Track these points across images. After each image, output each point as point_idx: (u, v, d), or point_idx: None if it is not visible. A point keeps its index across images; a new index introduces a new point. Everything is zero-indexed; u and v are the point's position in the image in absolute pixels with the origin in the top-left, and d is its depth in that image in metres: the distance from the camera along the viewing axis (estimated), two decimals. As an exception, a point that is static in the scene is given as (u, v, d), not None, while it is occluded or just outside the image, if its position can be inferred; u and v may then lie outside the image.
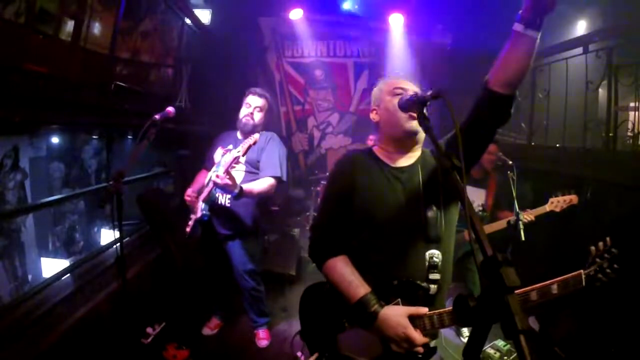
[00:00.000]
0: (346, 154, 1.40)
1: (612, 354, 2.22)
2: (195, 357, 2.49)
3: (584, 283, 1.15)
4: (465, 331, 2.89)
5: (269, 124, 2.55)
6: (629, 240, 2.37)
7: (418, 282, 1.16)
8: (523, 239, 2.40)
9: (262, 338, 2.72)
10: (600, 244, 1.22)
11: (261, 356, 2.63)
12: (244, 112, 2.41)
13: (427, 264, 1.18)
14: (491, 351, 2.59)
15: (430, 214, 1.20)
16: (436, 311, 1.11)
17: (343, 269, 1.21)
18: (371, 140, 5.17)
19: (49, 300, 2.06)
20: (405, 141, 1.27)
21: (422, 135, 1.26)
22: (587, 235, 2.60)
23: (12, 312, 1.90)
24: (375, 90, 1.37)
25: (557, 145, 3.53)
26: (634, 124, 2.91)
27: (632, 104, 3.00)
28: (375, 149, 1.36)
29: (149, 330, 2.59)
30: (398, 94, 1.22)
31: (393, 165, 1.28)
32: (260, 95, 2.44)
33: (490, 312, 0.65)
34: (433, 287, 1.18)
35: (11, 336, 1.75)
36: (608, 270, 1.18)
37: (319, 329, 1.34)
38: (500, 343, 2.65)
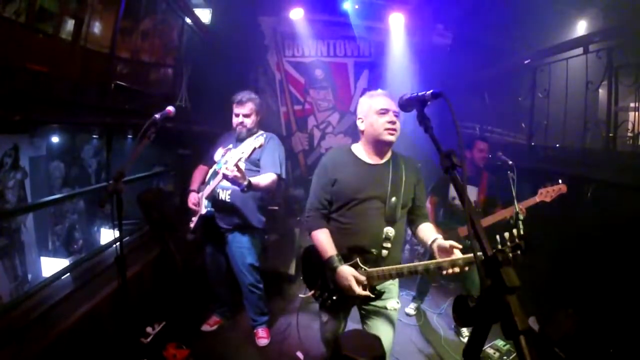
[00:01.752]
0: (328, 151, 1.90)
1: (611, 354, 2.22)
2: (195, 357, 2.49)
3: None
4: (465, 331, 2.89)
5: (268, 123, 2.59)
6: (629, 240, 2.37)
7: (373, 250, 1.68)
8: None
9: (262, 337, 2.72)
10: (507, 234, 1.23)
11: (261, 355, 2.63)
12: (234, 121, 2.49)
13: (383, 236, 1.68)
14: (490, 351, 2.59)
15: (391, 202, 1.68)
16: (378, 268, 1.62)
17: (321, 238, 1.73)
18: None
19: (48, 299, 2.06)
20: (382, 147, 1.74)
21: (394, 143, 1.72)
22: (587, 235, 2.61)
23: (12, 311, 1.90)
24: (363, 103, 1.76)
25: (557, 145, 3.52)
26: (634, 124, 2.91)
27: (632, 104, 3.00)
28: (354, 147, 1.82)
29: (149, 329, 2.59)
30: (382, 113, 1.66)
31: (368, 162, 1.75)
32: (244, 102, 2.46)
33: (490, 313, 0.65)
34: (385, 252, 1.69)
35: (11, 335, 1.75)
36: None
37: (312, 273, 1.88)
38: (499, 343, 2.65)
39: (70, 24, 2.06)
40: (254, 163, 2.41)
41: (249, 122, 2.47)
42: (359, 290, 1.56)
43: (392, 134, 1.66)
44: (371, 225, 1.68)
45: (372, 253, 1.68)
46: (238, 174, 2.05)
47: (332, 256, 1.65)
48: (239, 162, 2.04)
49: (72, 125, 2.96)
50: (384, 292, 1.72)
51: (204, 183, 2.55)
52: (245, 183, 2.12)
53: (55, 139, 3.26)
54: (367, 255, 1.68)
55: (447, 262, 1.43)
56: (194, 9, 3.89)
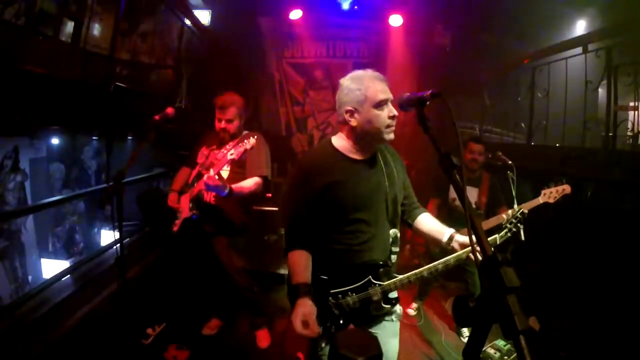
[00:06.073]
0: (307, 154, 1.65)
1: (611, 353, 2.22)
2: (196, 358, 2.49)
3: (498, 242, 1.46)
4: (465, 331, 2.89)
5: (268, 124, 2.57)
6: (628, 240, 2.38)
7: (383, 260, 1.46)
8: (523, 239, 2.39)
9: (262, 339, 2.71)
10: (510, 211, 1.40)
11: (262, 357, 2.62)
12: (217, 125, 2.40)
13: (390, 241, 1.48)
14: (491, 351, 2.59)
15: (393, 200, 1.47)
16: (396, 280, 1.42)
17: (296, 260, 1.43)
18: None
19: (49, 301, 2.06)
20: (375, 144, 1.46)
21: None
22: (587, 235, 2.61)
23: (13, 313, 1.90)
24: (355, 92, 1.39)
25: (557, 145, 3.52)
26: (633, 124, 2.92)
27: (631, 104, 3.00)
28: (335, 141, 1.49)
29: (149, 330, 2.59)
30: (382, 106, 1.36)
31: (358, 158, 1.46)
32: (226, 108, 2.36)
33: (490, 313, 0.65)
34: (394, 257, 1.50)
35: (12, 337, 1.75)
36: (514, 229, 1.49)
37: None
38: (500, 343, 2.64)
39: (69, 26, 2.07)
40: (241, 165, 2.39)
41: (232, 127, 2.39)
42: (300, 329, 1.31)
43: (393, 131, 1.40)
44: (379, 233, 1.46)
45: (381, 264, 1.46)
46: (219, 183, 2.05)
47: (298, 284, 1.37)
48: (227, 165, 2.03)
49: (72, 127, 2.96)
50: (397, 300, 1.51)
51: (187, 184, 2.53)
52: (227, 191, 2.11)
53: (55, 141, 3.27)
54: (378, 267, 1.45)
55: (465, 253, 1.34)
56: (193, 10, 3.90)
